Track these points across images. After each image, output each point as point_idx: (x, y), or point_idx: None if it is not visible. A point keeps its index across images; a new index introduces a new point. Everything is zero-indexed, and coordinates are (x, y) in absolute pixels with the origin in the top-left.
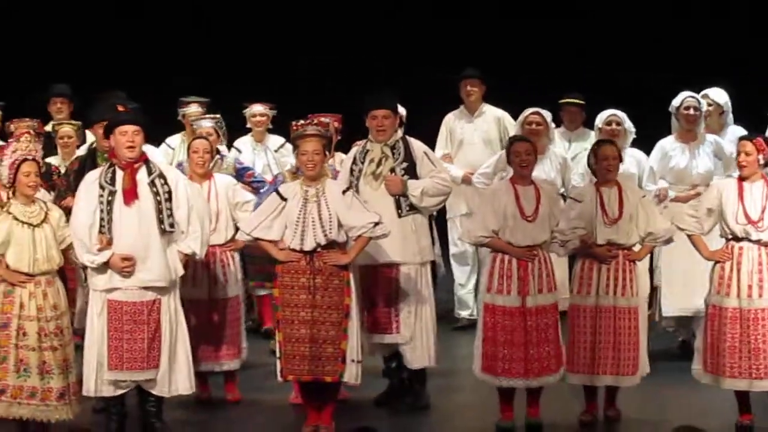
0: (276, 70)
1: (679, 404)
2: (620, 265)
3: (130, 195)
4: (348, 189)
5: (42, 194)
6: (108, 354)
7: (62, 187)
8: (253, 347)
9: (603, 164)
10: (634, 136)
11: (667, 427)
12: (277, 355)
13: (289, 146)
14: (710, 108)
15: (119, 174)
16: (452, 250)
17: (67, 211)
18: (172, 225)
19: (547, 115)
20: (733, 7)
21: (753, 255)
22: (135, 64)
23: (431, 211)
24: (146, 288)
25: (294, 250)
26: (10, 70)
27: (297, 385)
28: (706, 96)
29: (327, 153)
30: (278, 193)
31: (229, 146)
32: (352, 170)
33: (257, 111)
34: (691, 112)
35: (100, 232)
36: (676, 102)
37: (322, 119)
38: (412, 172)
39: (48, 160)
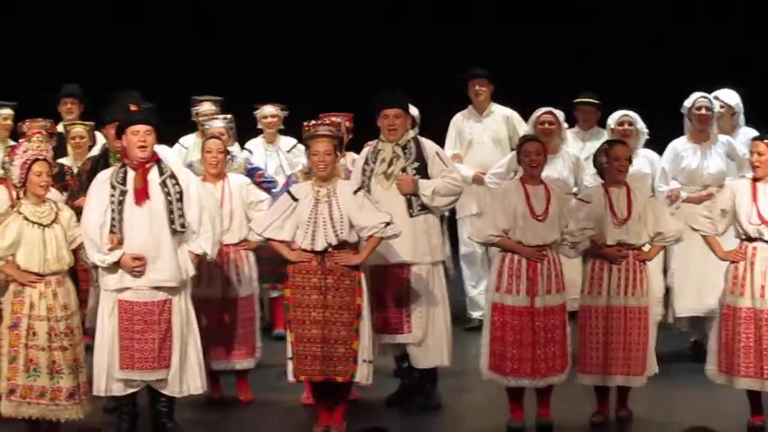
0: (276, 70)
1: (690, 405)
2: (630, 265)
3: (142, 195)
4: (359, 189)
5: (54, 195)
6: (119, 354)
7: (74, 187)
8: (264, 348)
9: (615, 165)
10: (647, 137)
11: (679, 428)
12: (289, 355)
13: (301, 147)
14: (722, 110)
15: (131, 174)
16: (462, 250)
17: (79, 212)
18: (183, 225)
19: (560, 114)
20: (733, 7)
21: (766, 255)
22: (134, 64)
23: (443, 210)
24: (157, 288)
25: (305, 251)
26: (22, 70)
27: (308, 386)
28: (716, 98)
29: (338, 153)
30: (290, 194)
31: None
32: (363, 170)
33: (268, 112)
34: (703, 112)
35: (111, 231)
36: (687, 102)
37: (334, 119)
38: (423, 171)
39: (59, 160)
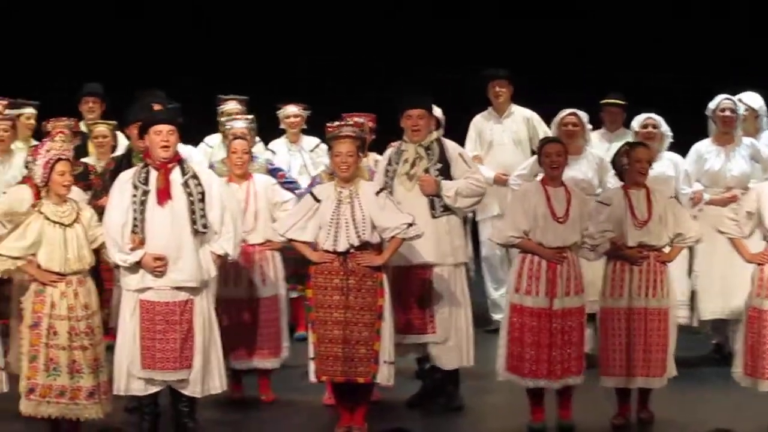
0: (276, 70)
1: (712, 407)
2: (651, 266)
3: (164, 195)
4: (381, 190)
5: (78, 194)
6: (141, 353)
7: (98, 186)
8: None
9: (636, 167)
10: (671, 140)
11: (700, 431)
12: (311, 355)
13: (324, 147)
14: (746, 113)
15: (153, 174)
16: (483, 252)
17: (102, 211)
18: (204, 226)
19: (584, 116)
20: (733, 7)
21: None
22: (133, 64)
23: (465, 212)
24: (179, 288)
25: (327, 251)
26: (43, 69)
27: (330, 386)
28: (740, 100)
29: (361, 154)
30: (312, 195)
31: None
32: (386, 171)
33: (291, 112)
34: (727, 114)
35: (133, 231)
36: (712, 105)
37: (357, 119)
38: (446, 173)
39: (83, 160)
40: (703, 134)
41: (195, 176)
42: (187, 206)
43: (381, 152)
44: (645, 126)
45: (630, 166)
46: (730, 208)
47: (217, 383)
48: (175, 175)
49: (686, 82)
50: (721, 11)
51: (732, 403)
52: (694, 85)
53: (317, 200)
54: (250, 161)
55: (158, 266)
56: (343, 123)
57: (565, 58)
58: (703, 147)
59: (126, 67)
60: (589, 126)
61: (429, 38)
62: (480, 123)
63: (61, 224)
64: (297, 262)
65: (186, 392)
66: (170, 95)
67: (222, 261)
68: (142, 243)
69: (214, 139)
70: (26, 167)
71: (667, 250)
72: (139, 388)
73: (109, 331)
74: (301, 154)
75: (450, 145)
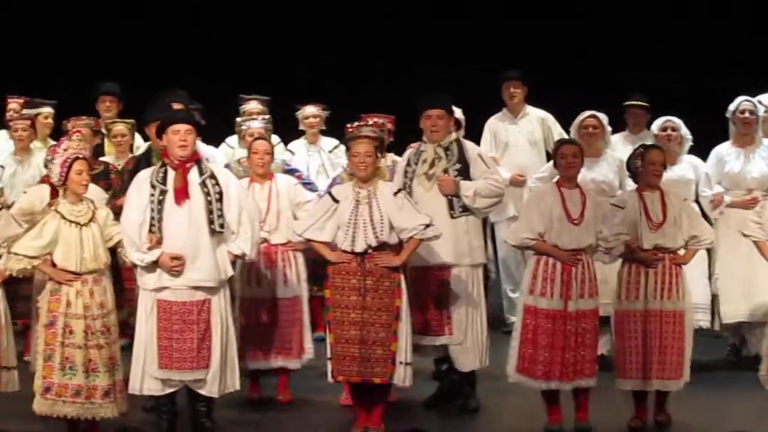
0: (276, 70)
1: (730, 410)
2: (666, 269)
3: (181, 194)
4: (400, 191)
5: (98, 193)
6: (158, 353)
7: (117, 186)
8: None
9: (650, 169)
10: (691, 143)
11: None
12: (328, 355)
13: (343, 147)
14: (765, 114)
15: (171, 173)
16: (501, 253)
17: (121, 210)
18: (222, 225)
19: (603, 117)
20: (733, 7)
21: None
22: (133, 64)
23: (484, 212)
24: (196, 288)
25: (345, 252)
26: (60, 68)
27: (347, 387)
28: (759, 102)
29: (379, 154)
30: (330, 195)
31: None
32: (405, 171)
33: (309, 112)
34: (747, 115)
35: (150, 230)
36: (731, 107)
37: (376, 120)
38: (465, 173)
39: (103, 158)
40: (703, 133)
41: (213, 176)
42: (204, 206)
43: (398, 153)
44: (664, 129)
45: (644, 168)
46: (754, 212)
47: (235, 382)
48: (193, 175)
49: (686, 82)
50: (721, 11)
51: (750, 406)
52: (694, 85)
53: (335, 200)
54: (271, 161)
55: (175, 266)
56: (362, 123)
57: (565, 58)
58: (723, 149)
59: (125, 67)
60: (609, 128)
61: (429, 38)
62: (494, 124)
63: (77, 223)
64: (316, 263)
65: (203, 392)
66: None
67: (250, 260)
68: (159, 242)
69: (235, 140)
70: (46, 167)
71: (681, 252)
72: (155, 388)
73: (127, 331)
74: (319, 155)
75: (469, 145)
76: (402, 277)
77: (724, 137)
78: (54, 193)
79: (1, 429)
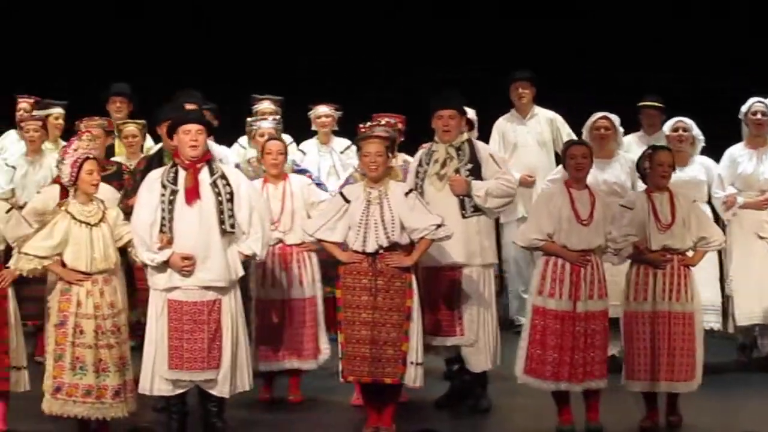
0: (276, 70)
1: (742, 411)
2: (675, 270)
3: (192, 194)
4: (411, 191)
5: (111, 193)
6: (168, 353)
7: (129, 186)
8: None
9: (658, 170)
10: (704, 144)
11: None
12: (339, 355)
13: (354, 148)
14: None
15: (181, 173)
16: (513, 253)
17: (132, 211)
18: (233, 226)
19: (615, 119)
20: (733, 7)
21: None
22: (133, 64)
23: (496, 212)
24: (206, 288)
25: (357, 252)
26: (71, 69)
27: (358, 387)
28: None
29: (390, 154)
30: (342, 195)
31: None
32: (417, 172)
33: (322, 112)
34: (759, 117)
35: (161, 230)
36: (744, 108)
37: (388, 120)
38: (477, 173)
39: (115, 159)
40: (703, 133)
41: (223, 176)
42: (215, 206)
43: (408, 153)
44: (675, 129)
45: (652, 169)
46: None
47: (246, 381)
48: (204, 175)
49: (686, 82)
50: (721, 11)
51: (762, 407)
52: (694, 85)
53: (347, 200)
54: (284, 162)
55: (186, 266)
56: (375, 123)
57: (565, 58)
58: (736, 151)
59: (125, 67)
60: (621, 129)
61: (429, 38)
62: (503, 125)
63: (88, 224)
64: (328, 264)
65: (214, 392)
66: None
67: (264, 261)
68: (170, 242)
69: (247, 140)
70: (57, 167)
71: (690, 254)
72: (166, 389)
73: (136, 331)
74: (331, 156)
75: (481, 146)
76: (413, 277)
77: (725, 137)
78: (64, 194)
79: (12, 429)
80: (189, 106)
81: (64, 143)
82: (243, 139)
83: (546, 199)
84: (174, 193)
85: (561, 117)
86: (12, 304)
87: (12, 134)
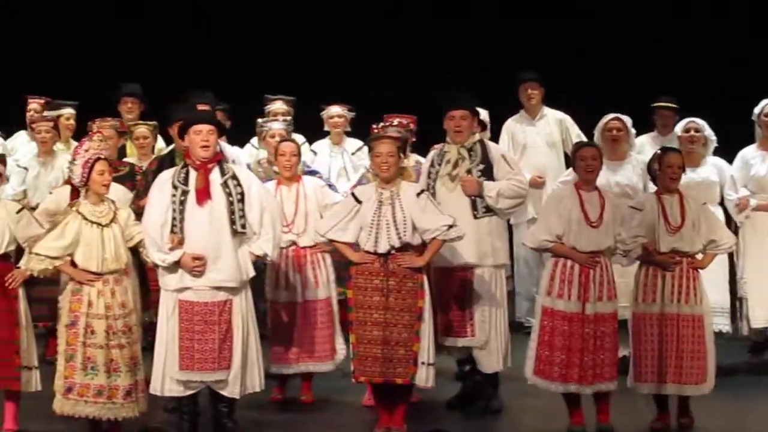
0: (276, 70)
1: (753, 413)
2: (684, 272)
3: (203, 195)
4: (423, 191)
5: (124, 193)
6: (179, 354)
7: (141, 186)
8: None
9: (667, 172)
10: (716, 145)
11: None
12: (351, 356)
13: (366, 149)
14: None
15: (192, 174)
16: (524, 254)
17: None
18: (243, 226)
19: (627, 120)
20: (733, 7)
21: None
22: (133, 64)
23: (507, 213)
24: (217, 288)
25: (368, 252)
26: (82, 69)
27: (370, 387)
28: None
29: (401, 155)
30: (353, 196)
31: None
32: (429, 172)
33: (334, 112)
34: None
35: (172, 231)
36: (757, 109)
37: (401, 120)
38: (488, 174)
39: (127, 159)
40: None
41: (234, 177)
42: (226, 206)
43: (419, 153)
44: (687, 130)
45: (661, 171)
46: None
47: (257, 382)
48: (215, 176)
49: (686, 82)
50: (721, 11)
51: None
52: (694, 85)
53: (358, 201)
54: (298, 163)
55: (197, 266)
56: (387, 124)
57: (565, 58)
58: (749, 152)
59: (125, 67)
60: (633, 130)
61: (429, 38)
62: (512, 126)
63: (99, 224)
64: (340, 265)
65: (224, 393)
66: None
67: (278, 263)
68: (181, 243)
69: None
70: (69, 168)
71: (700, 256)
72: (177, 390)
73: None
74: (342, 156)
75: (493, 146)
76: (425, 277)
77: (726, 137)
78: (75, 194)
79: (23, 429)
80: (201, 107)
81: (75, 144)
82: (255, 140)
83: (556, 200)
84: (185, 193)
85: (570, 117)
86: (23, 305)
87: (22, 135)
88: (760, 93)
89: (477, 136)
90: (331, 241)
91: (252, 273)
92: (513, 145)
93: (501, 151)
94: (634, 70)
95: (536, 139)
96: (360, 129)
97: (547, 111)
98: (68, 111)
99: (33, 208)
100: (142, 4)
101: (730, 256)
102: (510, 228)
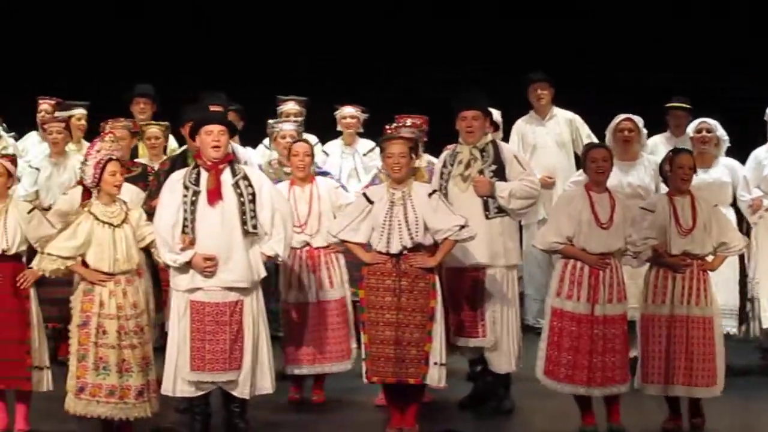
0: (276, 70)
1: (765, 415)
2: (694, 274)
3: (214, 195)
4: (434, 192)
5: (137, 194)
6: (190, 355)
7: (153, 187)
8: None
9: (678, 173)
10: (728, 145)
11: None
12: (363, 356)
13: (377, 150)
14: None
15: (203, 174)
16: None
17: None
18: (255, 226)
19: (639, 120)
20: (733, 7)
21: None
22: (132, 64)
23: (519, 214)
24: (229, 289)
25: (380, 253)
26: (94, 69)
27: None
28: None
29: (413, 156)
30: (365, 196)
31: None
32: (441, 173)
33: (347, 113)
34: None
35: (183, 231)
36: None
37: (414, 121)
38: (501, 174)
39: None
40: None
41: (246, 177)
42: (237, 207)
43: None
44: (699, 131)
45: (672, 172)
46: None
47: (268, 384)
48: (226, 176)
49: (686, 82)
50: (721, 11)
51: None
52: (694, 85)
53: (370, 202)
54: (311, 163)
55: (208, 266)
56: (400, 125)
57: (565, 58)
58: (762, 153)
59: (125, 67)
60: (645, 131)
61: (429, 38)
62: (522, 127)
63: (110, 224)
64: (351, 265)
65: (235, 393)
66: (170, 95)
67: (293, 264)
68: (192, 243)
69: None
70: (81, 169)
71: (710, 258)
72: (188, 390)
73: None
74: (353, 157)
75: (505, 147)
76: (437, 278)
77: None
78: (87, 195)
79: (34, 429)
80: (214, 108)
81: (87, 144)
82: (268, 141)
83: (566, 201)
84: (196, 194)
85: (580, 118)
86: (34, 305)
87: (33, 136)
88: (760, 93)
89: (489, 137)
90: (343, 241)
91: (263, 273)
92: (523, 145)
93: (513, 152)
94: (634, 70)
95: (546, 139)
96: (366, 129)
97: (557, 111)
98: (79, 111)
99: (45, 209)
100: (143, 4)
101: (741, 257)
102: (520, 229)
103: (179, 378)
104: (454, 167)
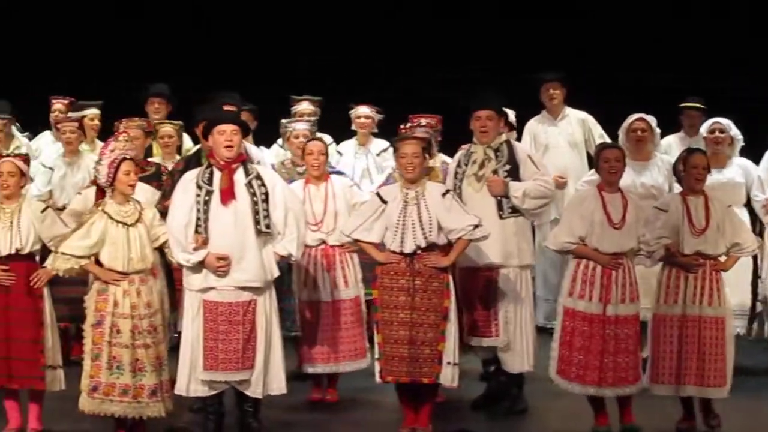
0: (276, 70)
1: None
2: (707, 274)
3: (227, 195)
4: (448, 191)
5: (151, 193)
6: (203, 354)
7: (167, 186)
8: None
9: (692, 173)
10: (742, 144)
11: None
12: (376, 356)
13: (391, 150)
14: None
15: (216, 174)
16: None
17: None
18: (268, 226)
19: (652, 120)
20: (733, 7)
21: None
22: (132, 64)
23: (533, 213)
24: (242, 288)
25: (394, 253)
26: (104, 68)
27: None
28: None
29: (427, 155)
30: (378, 196)
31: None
32: (456, 173)
33: (362, 113)
34: None
35: (196, 231)
36: None
37: (429, 121)
38: (515, 174)
39: (152, 159)
40: None
41: (259, 177)
42: (250, 206)
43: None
44: (712, 131)
45: (686, 172)
46: None
47: (282, 384)
48: (239, 176)
49: (686, 82)
50: (721, 11)
51: None
52: (694, 85)
53: (383, 201)
54: (325, 162)
55: (221, 266)
56: (415, 125)
57: (565, 58)
58: None
59: (125, 68)
60: (658, 130)
61: (429, 38)
62: (534, 127)
63: (124, 224)
64: (365, 265)
65: (248, 392)
66: (183, 95)
67: (308, 263)
68: (205, 243)
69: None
70: (95, 168)
71: (723, 259)
72: (202, 390)
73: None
74: (366, 158)
75: (519, 147)
76: (450, 277)
77: None
78: (100, 194)
79: (48, 428)
80: (227, 107)
81: (100, 144)
82: (281, 140)
83: (578, 202)
84: (209, 193)
85: (593, 117)
86: (48, 304)
87: (46, 135)
88: (760, 93)
89: (504, 137)
90: (357, 241)
91: (276, 273)
92: (535, 145)
93: (527, 152)
94: (634, 70)
95: (558, 139)
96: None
97: (569, 111)
98: (92, 111)
99: (60, 209)
100: (141, 4)
101: (754, 258)
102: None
103: (193, 377)
104: (468, 167)
